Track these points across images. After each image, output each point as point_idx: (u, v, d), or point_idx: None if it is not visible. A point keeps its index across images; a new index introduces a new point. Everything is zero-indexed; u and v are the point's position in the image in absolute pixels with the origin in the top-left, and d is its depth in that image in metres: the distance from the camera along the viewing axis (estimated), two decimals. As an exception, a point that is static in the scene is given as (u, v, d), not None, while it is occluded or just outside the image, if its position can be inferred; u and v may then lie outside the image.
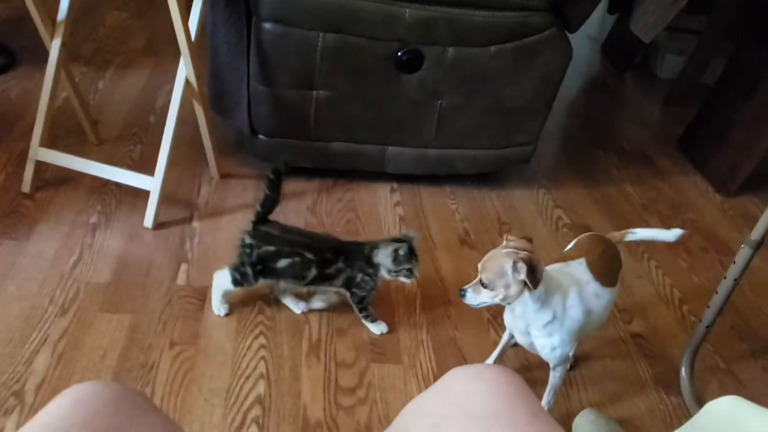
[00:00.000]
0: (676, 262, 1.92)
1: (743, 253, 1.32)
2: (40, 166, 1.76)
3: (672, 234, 1.35)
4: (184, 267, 1.61)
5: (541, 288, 1.13)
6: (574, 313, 1.19)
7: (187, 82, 1.64)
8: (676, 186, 2.33)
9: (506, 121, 1.94)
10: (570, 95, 2.92)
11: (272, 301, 1.55)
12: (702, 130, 2.46)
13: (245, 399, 1.31)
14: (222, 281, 1.45)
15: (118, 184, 1.81)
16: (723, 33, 2.68)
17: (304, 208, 1.89)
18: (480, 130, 1.95)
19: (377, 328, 1.51)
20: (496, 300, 1.16)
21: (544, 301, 1.16)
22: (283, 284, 1.47)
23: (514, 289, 1.13)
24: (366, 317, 1.50)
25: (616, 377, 1.50)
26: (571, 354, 1.26)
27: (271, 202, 1.40)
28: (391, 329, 1.52)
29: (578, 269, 1.24)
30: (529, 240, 1.18)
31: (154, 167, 1.67)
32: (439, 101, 1.86)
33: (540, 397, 1.33)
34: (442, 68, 1.78)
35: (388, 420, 1.31)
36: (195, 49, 1.60)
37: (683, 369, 1.49)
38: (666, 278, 1.84)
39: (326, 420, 1.30)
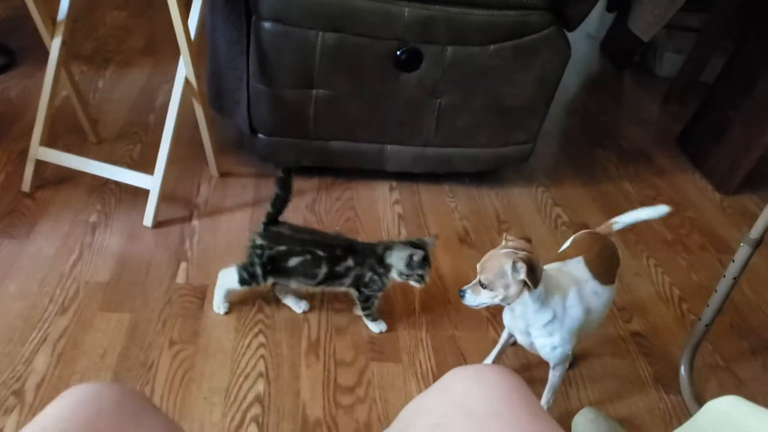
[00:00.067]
0: (675, 261, 1.92)
1: (742, 251, 1.32)
2: (40, 165, 1.77)
3: (657, 211, 1.35)
4: (183, 266, 1.62)
5: (540, 288, 1.13)
6: (574, 312, 1.19)
7: (187, 81, 1.64)
8: (675, 184, 2.33)
9: (505, 119, 1.94)
10: (569, 94, 2.92)
11: (271, 299, 1.55)
12: (701, 128, 2.46)
13: (245, 398, 1.31)
14: (227, 280, 1.45)
15: (117, 183, 1.82)
16: (722, 31, 2.68)
17: (303, 207, 1.89)
18: (479, 129, 1.95)
19: (377, 327, 1.51)
20: (496, 300, 1.15)
21: (543, 301, 1.16)
22: (294, 284, 1.47)
23: (513, 289, 1.13)
24: (368, 316, 1.50)
25: (615, 376, 1.51)
26: (570, 353, 1.26)
27: (282, 201, 1.40)
28: (391, 328, 1.53)
29: (577, 268, 1.24)
30: (528, 240, 1.18)
31: (154, 166, 1.68)
32: (438, 100, 1.86)
33: (539, 396, 1.33)
34: (441, 67, 1.78)
35: (387, 419, 1.32)
36: (194, 48, 1.60)
37: (683, 367, 1.49)
38: (665, 277, 1.85)
39: (325, 419, 1.30)
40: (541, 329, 1.19)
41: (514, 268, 1.10)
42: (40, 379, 1.28)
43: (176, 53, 1.59)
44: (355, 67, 1.75)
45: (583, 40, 3.56)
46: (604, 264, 1.27)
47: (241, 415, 1.28)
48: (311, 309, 1.55)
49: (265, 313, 1.52)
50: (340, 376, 1.40)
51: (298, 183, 1.96)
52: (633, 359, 1.56)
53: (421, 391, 1.37)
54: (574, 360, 1.52)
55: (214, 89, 1.93)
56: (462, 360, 1.49)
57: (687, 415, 1.43)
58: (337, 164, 1.99)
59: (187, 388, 1.32)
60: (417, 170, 2.04)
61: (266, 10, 1.63)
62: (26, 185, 1.77)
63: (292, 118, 1.83)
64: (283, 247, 1.40)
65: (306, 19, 1.64)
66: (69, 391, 0.61)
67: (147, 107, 2.27)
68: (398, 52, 1.73)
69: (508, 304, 1.17)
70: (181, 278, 1.58)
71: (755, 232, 1.29)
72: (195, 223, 1.77)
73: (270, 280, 1.44)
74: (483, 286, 1.14)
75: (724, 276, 1.36)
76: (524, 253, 1.11)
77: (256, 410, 1.29)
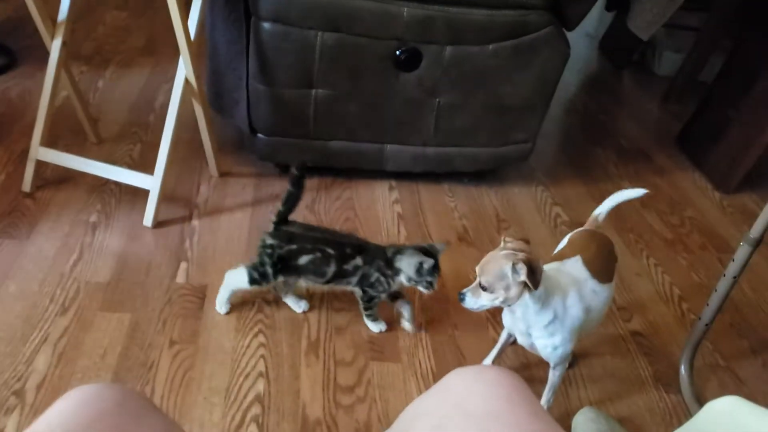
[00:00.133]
0: (675, 260, 1.92)
1: (742, 251, 1.31)
2: (40, 165, 1.77)
3: (634, 192, 1.37)
4: (183, 265, 1.62)
5: (541, 289, 1.12)
6: (574, 311, 1.19)
7: (187, 81, 1.64)
8: (675, 183, 2.33)
9: (505, 119, 1.94)
10: (568, 93, 2.92)
11: (271, 299, 1.55)
12: (700, 127, 2.46)
13: (245, 397, 1.32)
14: (236, 280, 1.45)
15: (117, 183, 1.82)
16: (721, 30, 2.68)
17: (302, 206, 1.88)
18: (478, 128, 1.95)
19: (376, 327, 1.51)
20: (496, 303, 1.15)
21: (544, 302, 1.15)
22: (303, 282, 1.46)
23: (514, 290, 1.12)
24: (368, 316, 1.50)
25: (615, 375, 1.51)
26: (570, 352, 1.26)
27: (294, 199, 1.39)
28: (390, 328, 1.53)
29: (575, 267, 1.24)
30: (527, 241, 1.17)
31: (154, 166, 1.68)
32: (438, 99, 1.86)
33: (539, 396, 1.33)
34: (441, 67, 1.78)
35: (387, 418, 1.32)
36: (194, 48, 1.60)
37: (683, 367, 1.49)
38: (665, 276, 1.85)
39: (325, 418, 1.30)
40: (542, 330, 1.19)
41: (515, 270, 1.09)
42: (40, 379, 1.29)
43: (176, 53, 1.59)
44: (355, 67, 1.75)
45: (582, 39, 3.56)
46: (602, 262, 1.27)
47: (241, 414, 1.28)
48: (311, 309, 1.55)
49: (265, 312, 1.52)
50: (339, 376, 1.40)
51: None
52: (633, 359, 1.56)
53: (420, 391, 1.38)
54: (574, 359, 1.52)
55: (214, 89, 1.93)
56: (462, 359, 1.49)
57: (687, 414, 1.43)
58: (336, 164, 1.99)
59: (187, 388, 1.32)
60: (416, 170, 2.04)
61: (266, 10, 1.63)
62: (26, 185, 1.77)
63: (291, 117, 1.83)
64: (293, 246, 1.39)
65: (305, 19, 1.64)
66: (71, 392, 0.61)
67: (147, 107, 2.27)
68: (398, 52, 1.73)
69: (509, 306, 1.17)
70: (181, 278, 1.58)
71: (755, 231, 1.29)
72: (195, 222, 1.77)
73: (280, 279, 1.44)
74: (483, 288, 1.13)
75: (724, 275, 1.36)
76: (524, 254, 1.11)
77: (256, 410, 1.29)
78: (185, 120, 1.73)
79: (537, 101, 1.94)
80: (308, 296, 1.57)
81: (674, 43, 3.12)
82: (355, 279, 1.43)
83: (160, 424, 0.64)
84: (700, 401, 1.43)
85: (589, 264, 1.24)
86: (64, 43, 1.69)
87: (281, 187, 1.94)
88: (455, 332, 1.55)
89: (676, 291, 1.80)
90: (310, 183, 2.00)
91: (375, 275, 1.42)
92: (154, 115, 2.22)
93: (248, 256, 1.67)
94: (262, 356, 1.41)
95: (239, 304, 1.53)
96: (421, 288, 1.41)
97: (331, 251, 1.40)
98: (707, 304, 1.41)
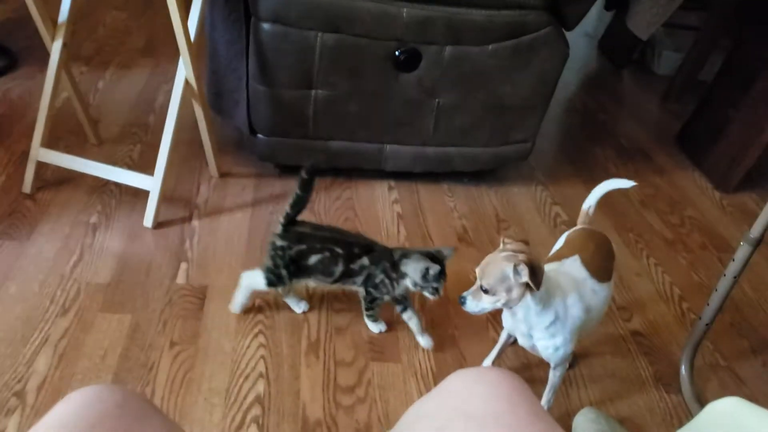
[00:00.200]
0: (675, 260, 1.92)
1: (742, 250, 1.31)
2: (40, 166, 1.77)
3: (623, 182, 1.37)
4: (183, 266, 1.62)
5: (542, 289, 1.12)
6: (575, 311, 1.19)
7: (187, 82, 1.64)
8: (675, 183, 2.33)
9: (504, 118, 1.94)
10: (568, 93, 2.92)
11: (271, 300, 1.55)
12: (700, 126, 2.46)
13: (245, 398, 1.32)
14: (254, 281, 1.44)
15: (118, 184, 1.82)
16: (721, 29, 2.68)
17: (303, 207, 1.89)
18: (478, 128, 1.95)
19: (376, 327, 1.51)
20: (498, 305, 1.14)
21: (546, 303, 1.15)
22: (312, 282, 1.46)
23: (516, 292, 1.11)
24: (369, 316, 1.50)
25: (616, 375, 1.51)
26: (570, 353, 1.26)
27: (302, 202, 1.38)
28: (390, 328, 1.53)
29: (574, 267, 1.24)
30: (526, 242, 1.17)
31: (154, 167, 1.68)
32: (437, 100, 1.86)
33: (539, 396, 1.33)
34: (440, 67, 1.78)
35: (387, 419, 1.32)
36: (194, 49, 1.60)
37: (683, 367, 1.49)
38: (665, 276, 1.85)
39: (326, 419, 1.30)
40: (543, 331, 1.18)
41: (516, 271, 1.08)
42: (41, 381, 1.29)
43: (176, 54, 1.59)
44: (355, 67, 1.75)
45: (582, 38, 3.56)
46: (601, 261, 1.27)
47: (241, 415, 1.28)
48: (311, 309, 1.55)
49: (265, 313, 1.52)
50: (340, 377, 1.40)
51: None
52: (633, 359, 1.56)
53: (420, 391, 1.38)
54: (574, 360, 1.52)
55: (214, 90, 1.93)
56: (461, 360, 1.49)
57: (688, 414, 1.43)
58: (336, 164, 1.99)
59: (187, 389, 1.32)
60: (416, 170, 2.04)
61: (265, 10, 1.63)
62: (27, 186, 1.77)
63: (291, 118, 1.83)
64: (303, 246, 1.39)
65: (305, 19, 1.64)
66: (70, 395, 0.61)
67: (147, 108, 2.27)
68: (397, 53, 1.73)
69: (510, 308, 1.16)
70: (181, 279, 1.58)
71: (755, 231, 1.29)
72: (195, 223, 1.77)
73: (296, 282, 1.44)
74: (484, 291, 1.12)
75: (725, 275, 1.36)
76: (524, 255, 1.10)
77: (256, 411, 1.29)
78: (185, 121, 1.73)
79: (536, 101, 1.94)
80: (308, 297, 1.57)
81: (674, 43, 3.12)
82: (360, 279, 1.43)
83: (161, 426, 0.64)
84: (701, 401, 1.43)
85: (587, 263, 1.24)
86: (64, 45, 1.69)
87: (281, 187, 1.95)
88: (455, 332, 1.55)
89: (676, 291, 1.80)
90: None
91: (380, 277, 1.41)
92: (154, 116, 2.22)
93: (248, 257, 1.67)
94: (262, 357, 1.41)
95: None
96: (426, 293, 1.39)
97: (339, 250, 1.39)
98: (707, 304, 1.41)
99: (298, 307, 1.53)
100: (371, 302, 1.46)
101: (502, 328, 1.43)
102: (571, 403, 1.42)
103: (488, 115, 1.92)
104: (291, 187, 1.93)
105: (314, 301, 1.57)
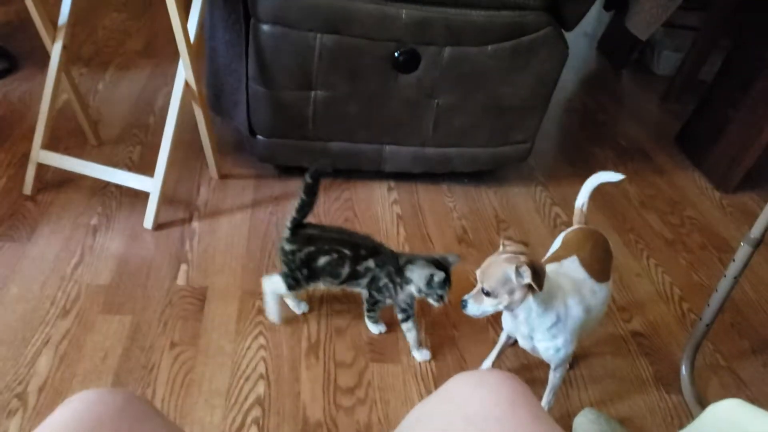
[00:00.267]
0: (675, 260, 1.92)
1: (743, 251, 1.31)
2: (41, 168, 1.77)
3: (613, 176, 1.38)
4: (184, 267, 1.62)
5: (544, 291, 1.11)
6: (575, 312, 1.19)
7: (186, 83, 1.64)
8: (675, 183, 2.33)
9: (503, 119, 1.95)
10: (567, 93, 2.92)
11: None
12: (700, 126, 2.46)
13: (245, 399, 1.32)
14: (276, 286, 1.44)
15: (118, 186, 1.82)
16: (720, 29, 2.68)
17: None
18: (477, 129, 1.95)
19: (376, 328, 1.51)
20: (500, 307, 1.13)
21: (547, 304, 1.14)
22: (321, 284, 1.45)
23: (518, 294, 1.10)
24: (370, 317, 1.50)
25: (616, 376, 1.51)
26: (571, 353, 1.26)
27: (308, 207, 1.38)
28: (390, 329, 1.53)
29: (573, 268, 1.24)
30: (525, 244, 1.16)
31: (154, 168, 1.68)
32: (436, 100, 1.86)
33: (540, 397, 1.33)
34: (439, 68, 1.78)
35: (387, 420, 1.32)
36: (194, 50, 1.61)
37: (684, 367, 1.49)
38: (666, 276, 1.85)
39: (326, 420, 1.30)
40: (545, 333, 1.18)
41: (518, 273, 1.07)
42: (42, 382, 1.29)
43: (176, 55, 1.59)
44: (354, 68, 1.75)
45: (581, 39, 3.56)
46: (599, 261, 1.27)
47: (241, 416, 1.28)
48: (311, 310, 1.55)
49: (265, 314, 1.52)
50: (340, 378, 1.40)
51: (296, 184, 1.96)
52: (633, 359, 1.56)
53: (421, 393, 1.38)
54: (574, 360, 1.52)
55: (214, 91, 1.93)
56: (461, 361, 1.49)
57: (688, 415, 1.43)
58: (335, 165, 1.99)
59: (188, 390, 1.32)
60: (415, 170, 2.04)
61: (265, 12, 1.63)
62: (27, 188, 1.77)
63: (291, 119, 1.84)
64: (311, 248, 1.39)
65: (304, 21, 1.64)
66: (71, 398, 0.61)
67: (147, 109, 2.27)
68: (396, 54, 1.73)
69: (512, 310, 1.16)
70: (181, 280, 1.58)
71: (755, 231, 1.29)
72: (195, 224, 1.77)
73: (312, 285, 1.43)
74: (486, 294, 1.12)
75: (725, 275, 1.36)
76: (525, 256, 1.09)
77: (256, 412, 1.30)
78: (185, 122, 1.73)
79: (536, 101, 1.94)
80: (308, 298, 1.57)
81: (673, 43, 3.12)
82: (365, 281, 1.42)
83: (162, 429, 0.64)
84: (701, 402, 1.43)
85: (586, 263, 1.24)
86: (64, 47, 1.70)
87: (281, 188, 1.95)
88: (455, 333, 1.55)
89: (677, 291, 1.80)
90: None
91: (384, 280, 1.41)
92: (153, 118, 2.22)
93: (248, 258, 1.67)
94: (263, 358, 1.42)
95: (239, 305, 1.53)
96: (431, 300, 1.38)
97: (346, 252, 1.39)
98: (708, 305, 1.41)
99: (298, 308, 1.53)
100: (373, 305, 1.46)
101: (501, 329, 1.42)
102: (571, 404, 1.42)
103: (487, 115, 1.92)
104: (291, 188, 1.96)
105: (314, 302, 1.57)
